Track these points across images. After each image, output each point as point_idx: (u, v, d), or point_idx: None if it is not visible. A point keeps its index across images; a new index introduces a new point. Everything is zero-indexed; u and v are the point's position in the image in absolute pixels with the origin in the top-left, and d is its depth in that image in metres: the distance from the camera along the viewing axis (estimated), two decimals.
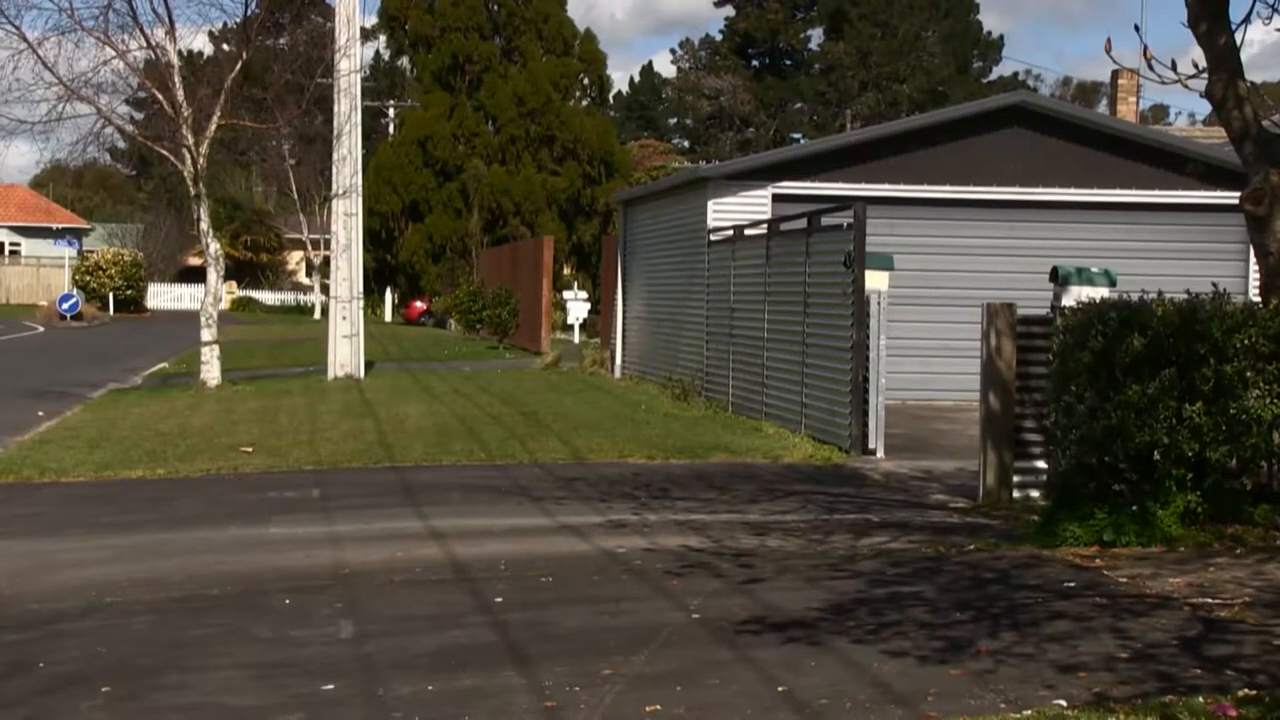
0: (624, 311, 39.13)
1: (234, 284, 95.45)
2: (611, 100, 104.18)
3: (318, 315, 79.97)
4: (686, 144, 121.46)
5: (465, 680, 9.83)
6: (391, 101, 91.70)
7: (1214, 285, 14.75)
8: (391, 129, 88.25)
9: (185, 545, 15.35)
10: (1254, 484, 14.77)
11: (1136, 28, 14.71)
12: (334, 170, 37.25)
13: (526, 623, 11.45)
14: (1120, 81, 48.63)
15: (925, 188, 31.43)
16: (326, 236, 50.70)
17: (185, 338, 51.52)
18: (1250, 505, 14.57)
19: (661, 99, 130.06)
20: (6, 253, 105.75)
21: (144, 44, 34.87)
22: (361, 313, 37.05)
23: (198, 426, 26.09)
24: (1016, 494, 17.55)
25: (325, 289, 58.17)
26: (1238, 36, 14.84)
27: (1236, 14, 16.41)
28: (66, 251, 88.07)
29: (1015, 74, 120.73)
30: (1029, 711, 8.80)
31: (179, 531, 16.27)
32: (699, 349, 31.40)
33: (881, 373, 22.60)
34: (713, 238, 30.84)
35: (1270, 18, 15.28)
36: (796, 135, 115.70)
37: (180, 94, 34.02)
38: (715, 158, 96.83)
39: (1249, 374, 13.85)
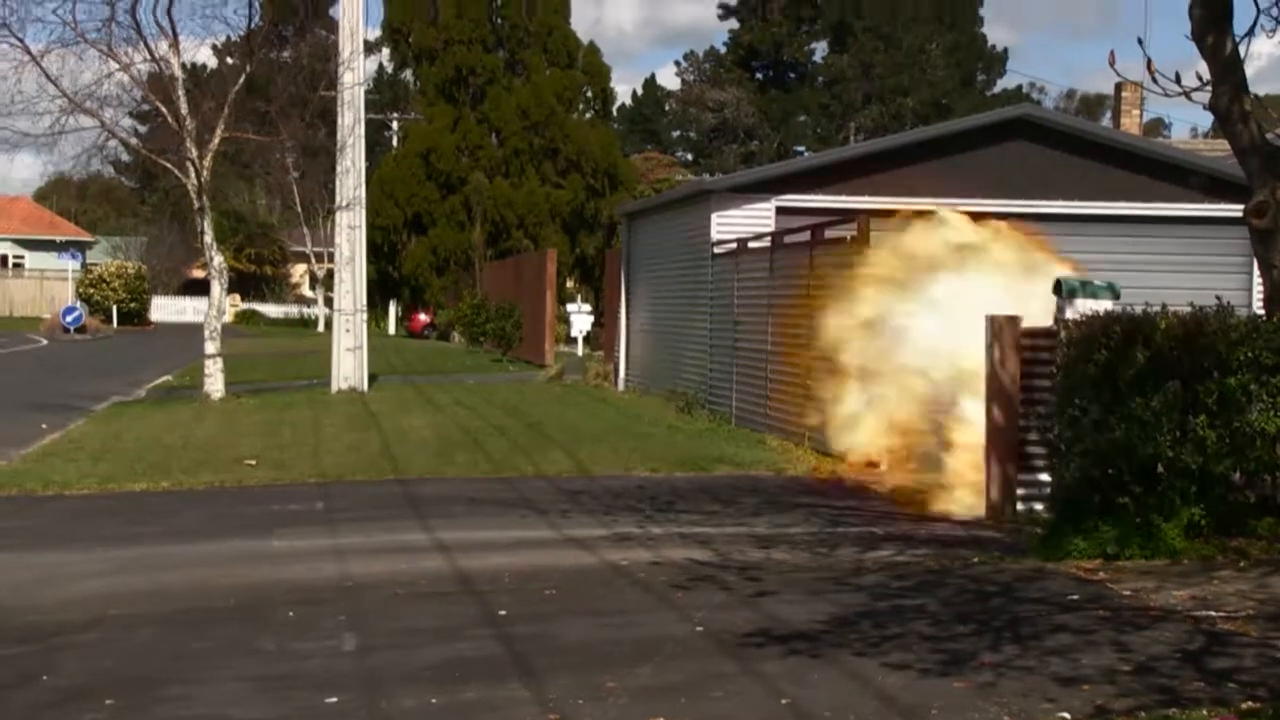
0: (627, 324, 39.14)
1: (237, 297, 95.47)
2: (615, 113, 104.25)
3: (321, 328, 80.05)
4: (690, 157, 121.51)
5: (469, 693, 9.83)
6: (395, 114, 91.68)
7: (1218, 298, 14.74)
8: (395, 142, 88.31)
9: (189, 558, 15.36)
10: (1258, 497, 14.76)
11: (1140, 40, 14.71)
12: (337, 183, 37.25)
13: (531, 635, 11.45)
14: (1124, 94, 48.66)
15: (929, 200, 31.43)
16: (330, 249, 50.76)
17: (189, 350, 51.53)
18: (1254, 518, 14.57)
19: (665, 112, 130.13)
20: (10, 266, 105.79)
21: (147, 57, 34.93)
22: (365, 325, 37.05)
23: (201, 439, 26.10)
24: (1020, 507, 17.52)
25: (329, 302, 58.21)
26: (1242, 49, 14.85)
27: (1241, 27, 16.42)
28: (70, 264, 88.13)
29: (1019, 87, 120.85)
30: None
31: (182, 544, 16.28)
32: (703, 362, 31.40)
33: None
34: (716, 250, 30.84)
35: (1275, 30, 15.27)
36: (800, 148, 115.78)
37: (184, 107, 34.06)
38: (719, 170, 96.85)
39: (1253, 387, 13.83)
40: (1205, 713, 8.86)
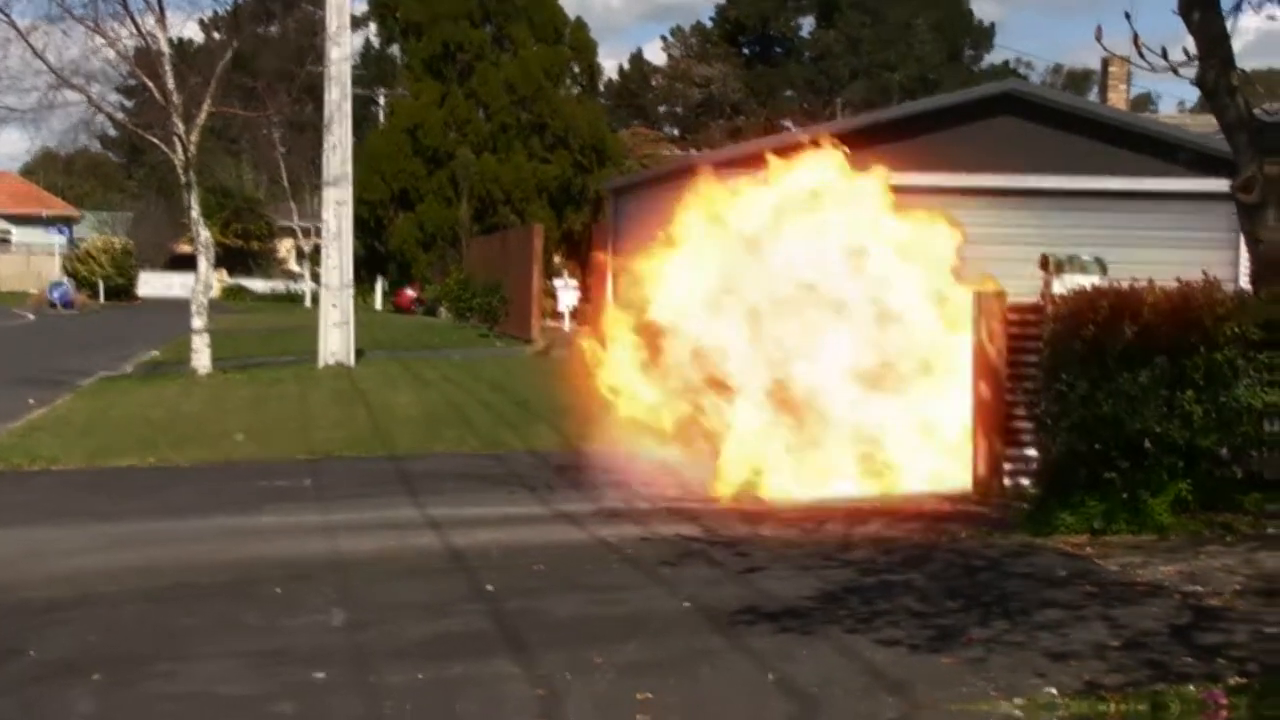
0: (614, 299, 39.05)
1: (224, 272, 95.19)
2: (602, 88, 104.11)
3: (308, 303, 79.89)
4: (677, 132, 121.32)
5: (457, 668, 9.83)
6: (382, 89, 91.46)
7: (1204, 273, 14.74)
8: (382, 117, 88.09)
9: (176, 533, 15.36)
10: (1245, 472, 14.75)
11: (1127, 15, 14.70)
12: (324, 158, 37.20)
13: (519, 611, 11.45)
14: (1111, 69, 48.64)
15: (915, 175, 31.37)
16: (317, 224, 50.69)
17: (176, 326, 51.39)
18: (1241, 493, 14.56)
19: (652, 87, 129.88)
20: None
21: (134, 32, 34.86)
22: (352, 301, 37.02)
23: (189, 414, 26.08)
24: (1008, 482, 17.50)
25: (316, 277, 58.14)
26: (1229, 24, 14.84)
27: (1227, 2, 16.40)
28: (57, 239, 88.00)
29: (1006, 62, 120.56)
30: (1020, 699, 8.81)
31: (170, 520, 16.27)
32: None
33: None
34: None
35: (1260, 6, 15.28)
36: (787, 123, 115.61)
37: (171, 82, 33.98)
38: (705, 145, 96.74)
39: (1240, 362, 13.85)
40: (1194, 688, 8.87)
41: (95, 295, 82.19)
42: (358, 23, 72.46)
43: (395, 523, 15.79)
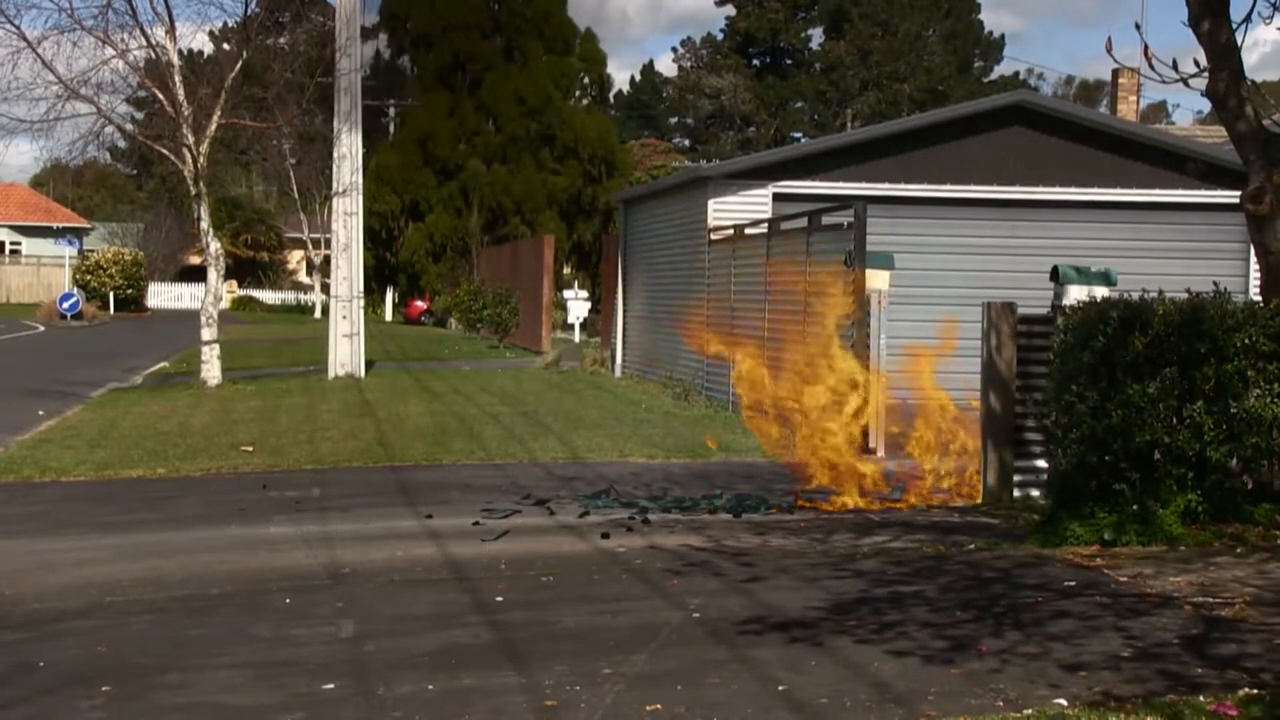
0: (624, 311, 39.12)
1: (234, 283, 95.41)
2: (612, 99, 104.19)
3: (318, 314, 79.99)
4: (687, 143, 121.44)
5: (465, 679, 9.82)
6: (392, 100, 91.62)
7: (1214, 284, 14.74)
8: (392, 128, 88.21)
9: (185, 544, 15.35)
10: (1255, 483, 14.74)
11: (1138, 26, 14.70)
12: (334, 169, 37.22)
13: (526, 622, 11.44)
14: (1121, 80, 48.71)
15: (926, 187, 31.42)
16: (327, 235, 50.72)
17: (185, 337, 51.54)
18: (1251, 504, 14.55)
19: (662, 98, 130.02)
20: (7, 252, 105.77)
21: (144, 43, 34.93)
22: (362, 312, 37.04)
23: (198, 426, 26.09)
24: (1017, 493, 17.52)
25: (325, 288, 58.17)
26: (1239, 36, 14.83)
27: (1238, 13, 16.42)
28: (67, 251, 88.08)
29: (1016, 73, 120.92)
30: (1029, 710, 8.79)
31: (179, 531, 16.28)
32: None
33: (882, 372, 22.58)
34: (713, 237, 30.82)
35: (1271, 17, 15.27)
36: (797, 134, 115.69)
37: (180, 93, 34.02)
38: (716, 157, 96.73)
39: (1249, 373, 13.84)
40: (1205, 699, 8.84)
41: (105, 306, 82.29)
42: (368, 34, 72.84)
43: (403, 533, 15.80)
